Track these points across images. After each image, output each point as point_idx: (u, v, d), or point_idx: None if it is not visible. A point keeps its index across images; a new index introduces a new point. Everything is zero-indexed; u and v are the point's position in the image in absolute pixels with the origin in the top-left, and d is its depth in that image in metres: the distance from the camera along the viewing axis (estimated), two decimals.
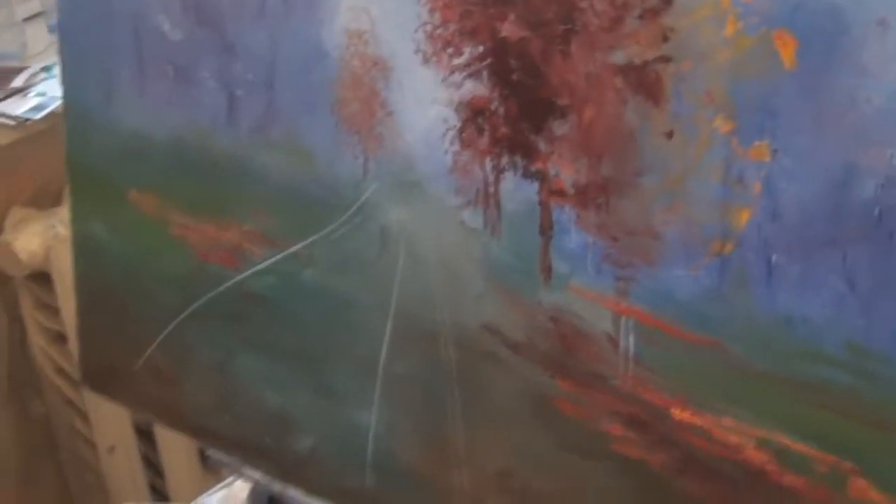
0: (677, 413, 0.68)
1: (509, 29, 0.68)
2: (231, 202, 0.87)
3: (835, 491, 0.63)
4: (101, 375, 1.05)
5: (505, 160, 0.71)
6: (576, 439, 0.73)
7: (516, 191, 0.71)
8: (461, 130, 0.72)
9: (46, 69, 1.82)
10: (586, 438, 0.73)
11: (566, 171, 0.68)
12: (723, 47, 0.61)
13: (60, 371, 1.82)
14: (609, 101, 0.65)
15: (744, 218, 0.62)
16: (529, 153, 0.69)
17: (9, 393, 1.87)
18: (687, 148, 0.63)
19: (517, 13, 0.68)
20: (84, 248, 1.00)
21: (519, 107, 0.69)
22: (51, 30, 1.88)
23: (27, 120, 1.70)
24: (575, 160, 0.67)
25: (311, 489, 0.91)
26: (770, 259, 0.62)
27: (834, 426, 0.62)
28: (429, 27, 0.72)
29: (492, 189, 0.72)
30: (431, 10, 0.72)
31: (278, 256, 0.85)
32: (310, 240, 0.82)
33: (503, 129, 0.70)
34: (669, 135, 0.64)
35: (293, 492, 0.93)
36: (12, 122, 1.70)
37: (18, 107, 1.73)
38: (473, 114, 0.71)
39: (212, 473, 1.82)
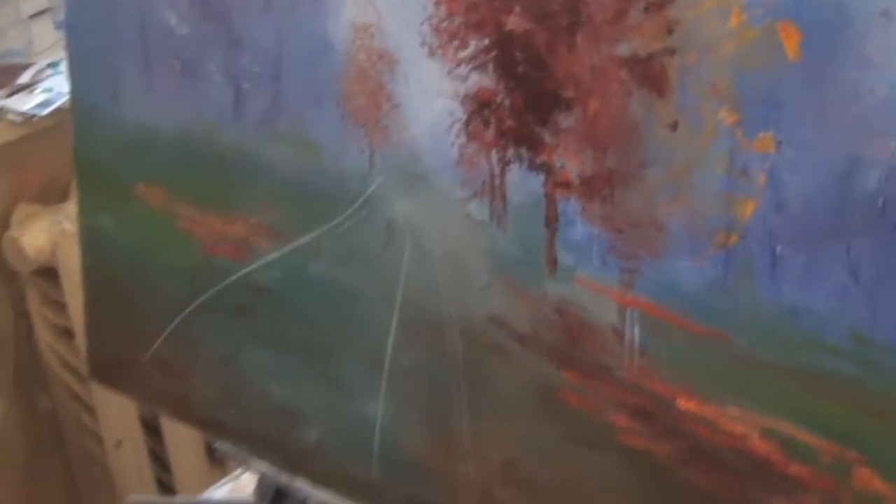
0: (682, 403, 0.68)
1: (515, 21, 0.69)
2: (237, 195, 0.87)
3: (839, 481, 0.64)
4: (109, 369, 1.06)
5: (511, 152, 0.71)
6: (581, 430, 0.74)
7: (522, 183, 0.71)
8: (467, 123, 0.73)
9: (53, 65, 1.82)
10: (592, 430, 0.73)
11: (571, 163, 0.68)
12: (727, 39, 0.61)
13: (67, 366, 1.83)
14: (614, 93, 0.66)
15: (748, 209, 0.62)
16: (535, 145, 0.70)
17: (16, 388, 1.88)
18: (692, 140, 0.63)
19: (522, 6, 0.68)
20: (91, 242, 1.00)
21: (524, 99, 0.70)
22: (57, 26, 1.89)
23: (33, 116, 1.71)
24: (580, 152, 0.68)
25: (318, 481, 0.91)
26: (774, 250, 0.62)
27: (838, 416, 0.63)
28: (434, 20, 0.72)
29: (497, 181, 0.72)
30: (437, 3, 0.72)
31: (284, 249, 0.85)
32: (316, 233, 0.83)
33: (509, 122, 0.71)
34: (674, 126, 0.64)
35: (300, 483, 0.93)
36: (19, 119, 1.71)
37: (25, 103, 1.73)
38: (479, 106, 0.72)
39: (218, 467, 1.83)
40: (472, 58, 0.71)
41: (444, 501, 0.83)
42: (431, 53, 0.73)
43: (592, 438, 0.73)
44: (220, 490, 1.22)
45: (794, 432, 0.65)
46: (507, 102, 0.71)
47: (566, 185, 0.69)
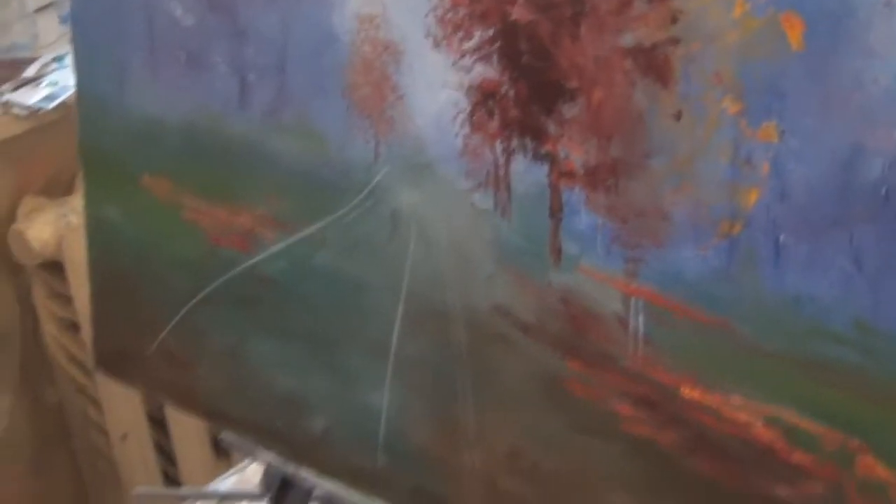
0: (686, 392, 0.68)
1: (519, 12, 0.69)
2: (243, 186, 0.88)
3: (843, 468, 0.64)
4: (115, 360, 1.06)
5: (515, 143, 0.71)
6: (586, 420, 0.74)
7: (526, 173, 0.71)
8: (471, 113, 0.73)
9: (58, 59, 1.83)
10: (596, 418, 0.73)
11: (576, 153, 0.69)
12: (731, 29, 0.61)
13: (73, 359, 1.83)
14: (618, 84, 0.66)
15: (752, 198, 0.63)
16: (539, 135, 0.70)
17: (22, 382, 1.88)
18: (695, 129, 0.64)
19: None
20: (98, 233, 1.00)
21: (529, 89, 0.70)
22: (62, 20, 1.89)
23: (39, 110, 1.71)
24: (584, 142, 0.68)
25: (324, 470, 0.92)
26: (778, 239, 0.62)
27: (842, 404, 0.63)
28: (439, 11, 0.73)
29: (502, 171, 0.72)
30: None
31: (290, 240, 0.85)
32: (321, 223, 0.83)
33: (513, 112, 0.71)
34: (678, 116, 0.64)
35: (306, 473, 0.93)
36: (24, 112, 1.71)
37: (30, 97, 1.74)
38: (483, 97, 0.72)
39: (224, 460, 1.83)
40: (477, 48, 0.71)
41: (449, 491, 0.83)
42: (436, 44, 0.73)
43: (597, 427, 0.74)
44: (226, 482, 1.22)
45: (798, 420, 0.65)
46: (511, 93, 0.71)
47: (570, 174, 0.69)
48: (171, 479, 1.91)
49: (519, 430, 0.78)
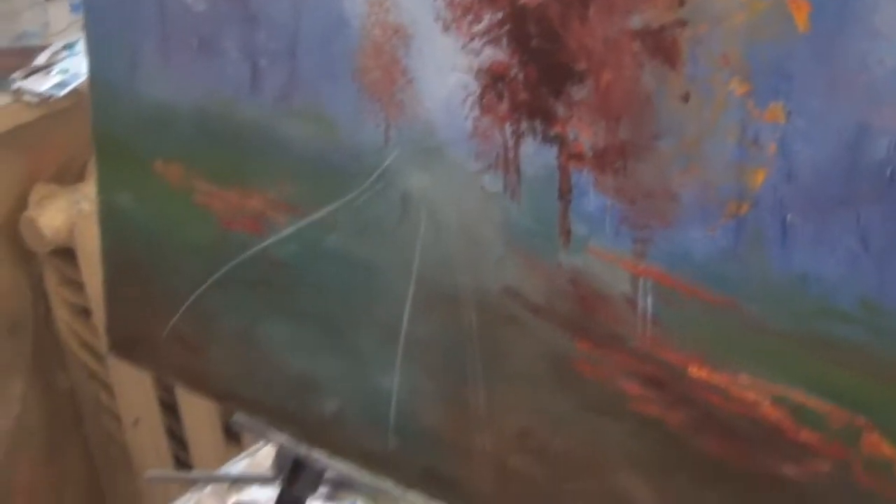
0: (694, 372, 0.69)
1: None
2: (254, 170, 0.88)
3: (849, 447, 0.65)
4: (128, 344, 1.07)
5: (524, 125, 0.72)
6: (595, 399, 0.75)
7: (536, 155, 0.72)
8: (481, 96, 0.73)
9: (69, 47, 1.83)
10: (605, 398, 0.74)
11: (585, 135, 0.69)
12: (738, 10, 0.61)
13: (85, 345, 1.84)
14: (626, 65, 0.66)
15: (759, 179, 0.63)
16: (548, 118, 0.71)
17: (34, 368, 1.89)
18: (703, 110, 0.64)
19: None
20: (110, 219, 1.01)
21: (538, 72, 0.70)
22: (72, 8, 1.90)
23: (50, 97, 1.72)
24: (593, 124, 0.69)
25: (335, 452, 0.92)
26: (785, 219, 0.63)
27: (848, 382, 0.64)
28: None
29: (511, 154, 0.73)
30: None
31: (301, 223, 0.86)
32: (332, 207, 0.84)
33: (522, 95, 0.71)
34: (686, 97, 0.64)
35: (317, 454, 0.94)
36: (35, 100, 1.72)
37: (41, 84, 1.74)
38: (493, 80, 0.72)
39: (235, 444, 1.84)
40: (486, 32, 0.72)
41: (460, 471, 0.84)
42: (446, 28, 0.74)
43: (606, 407, 0.74)
44: (238, 465, 1.23)
45: (805, 399, 0.66)
46: (520, 76, 0.71)
47: (579, 156, 0.70)
48: (183, 463, 1.92)
49: (528, 410, 0.79)
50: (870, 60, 0.58)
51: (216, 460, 1.73)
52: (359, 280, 0.85)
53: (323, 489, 1.01)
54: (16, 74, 1.76)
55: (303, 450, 0.95)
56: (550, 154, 0.71)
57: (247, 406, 0.97)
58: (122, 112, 0.96)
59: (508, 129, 0.73)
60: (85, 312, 1.81)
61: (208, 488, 1.19)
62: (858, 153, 0.60)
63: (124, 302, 1.05)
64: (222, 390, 0.99)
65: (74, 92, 1.71)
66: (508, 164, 0.73)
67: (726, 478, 0.70)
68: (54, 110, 1.73)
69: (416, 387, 0.84)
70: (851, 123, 0.59)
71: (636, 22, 0.65)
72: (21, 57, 1.81)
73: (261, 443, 1.22)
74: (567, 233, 0.72)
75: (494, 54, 0.72)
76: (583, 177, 0.70)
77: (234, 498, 1.17)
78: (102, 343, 1.70)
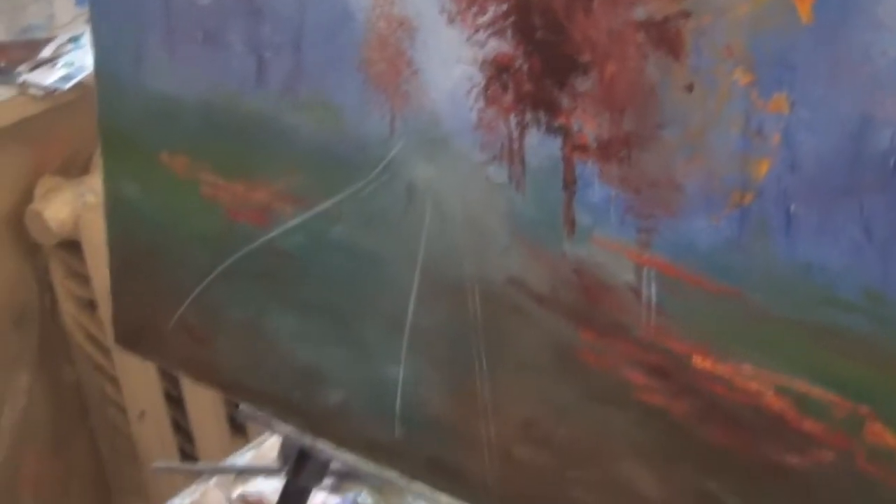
0: (699, 361, 0.69)
1: None
2: (260, 162, 0.88)
3: (852, 436, 0.65)
4: (134, 336, 1.07)
5: (529, 116, 0.72)
6: (599, 389, 0.75)
7: (540, 146, 0.72)
8: (486, 88, 0.74)
9: (74, 40, 1.83)
10: (609, 388, 0.74)
11: (589, 126, 0.69)
12: (742, 1, 0.62)
13: (91, 338, 1.85)
14: (630, 57, 0.66)
15: (763, 169, 0.63)
16: (553, 109, 0.71)
17: (40, 361, 1.90)
18: (707, 101, 0.64)
19: None
20: (116, 211, 1.01)
21: (542, 63, 0.71)
22: (77, 1, 1.90)
23: (55, 90, 1.72)
24: (597, 115, 0.69)
25: (341, 442, 0.93)
26: (789, 209, 0.63)
27: (851, 372, 0.64)
28: None
29: (516, 145, 0.73)
30: None
31: (307, 214, 0.86)
32: (338, 198, 0.84)
33: (527, 86, 0.72)
34: (690, 88, 0.65)
35: (323, 445, 0.94)
36: (41, 93, 1.72)
37: (46, 77, 1.75)
38: (498, 71, 0.73)
39: (241, 437, 1.85)
40: (491, 23, 0.72)
41: (466, 461, 0.85)
42: (450, 20, 0.74)
43: (610, 397, 0.75)
44: (244, 457, 1.24)
45: (808, 389, 0.66)
46: (525, 67, 0.72)
47: (584, 147, 0.70)
48: (189, 455, 1.93)
49: (533, 400, 0.79)
50: (873, 51, 0.58)
51: (222, 452, 1.73)
52: (364, 271, 0.85)
53: (328, 480, 1.01)
54: (21, 67, 1.76)
55: (308, 441, 0.95)
56: (555, 145, 0.71)
57: (252, 397, 0.98)
58: (128, 105, 0.96)
59: (513, 120, 0.73)
60: (91, 305, 1.81)
61: (214, 480, 1.19)
62: (862, 143, 0.60)
63: (130, 293, 1.05)
64: (228, 381, 1.00)
65: (80, 85, 1.71)
66: (513, 155, 0.74)
67: (730, 467, 0.71)
68: (59, 103, 1.73)
69: (421, 377, 0.85)
70: (855, 114, 0.60)
71: (640, 13, 0.65)
72: (26, 50, 1.81)
73: (266, 434, 1.22)
74: (571, 223, 0.72)
75: (499, 46, 0.72)
76: (587, 167, 0.70)
77: (239, 489, 1.17)
78: (108, 336, 1.71)
